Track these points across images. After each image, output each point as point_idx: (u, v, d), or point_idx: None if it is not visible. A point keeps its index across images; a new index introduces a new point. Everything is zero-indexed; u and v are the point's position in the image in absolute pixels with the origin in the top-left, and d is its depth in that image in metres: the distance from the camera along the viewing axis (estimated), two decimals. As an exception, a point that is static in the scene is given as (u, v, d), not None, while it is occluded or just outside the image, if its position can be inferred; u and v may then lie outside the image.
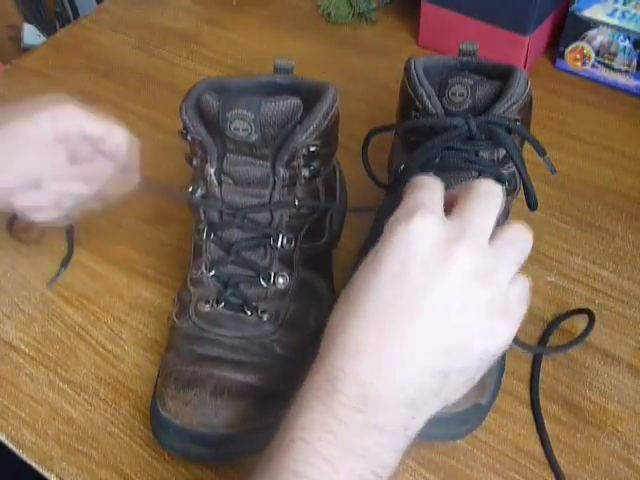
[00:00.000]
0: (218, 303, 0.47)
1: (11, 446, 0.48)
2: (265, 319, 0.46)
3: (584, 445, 0.46)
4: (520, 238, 0.36)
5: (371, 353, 0.34)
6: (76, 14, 1.56)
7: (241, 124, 0.44)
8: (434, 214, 0.35)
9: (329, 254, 0.53)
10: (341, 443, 0.33)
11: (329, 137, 0.48)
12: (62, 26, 1.38)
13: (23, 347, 0.53)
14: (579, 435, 0.47)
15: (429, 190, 0.36)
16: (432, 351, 0.34)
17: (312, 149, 0.46)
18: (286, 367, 0.45)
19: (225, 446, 0.43)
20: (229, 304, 0.47)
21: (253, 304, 0.47)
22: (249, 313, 0.47)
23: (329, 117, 0.47)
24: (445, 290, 0.34)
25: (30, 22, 1.55)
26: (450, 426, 0.44)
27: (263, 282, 0.47)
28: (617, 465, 0.45)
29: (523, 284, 0.36)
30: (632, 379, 0.50)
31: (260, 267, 0.47)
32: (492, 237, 0.35)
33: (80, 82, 0.77)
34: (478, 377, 0.36)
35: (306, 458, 0.32)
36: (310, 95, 0.47)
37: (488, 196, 0.36)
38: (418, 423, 0.35)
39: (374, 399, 0.33)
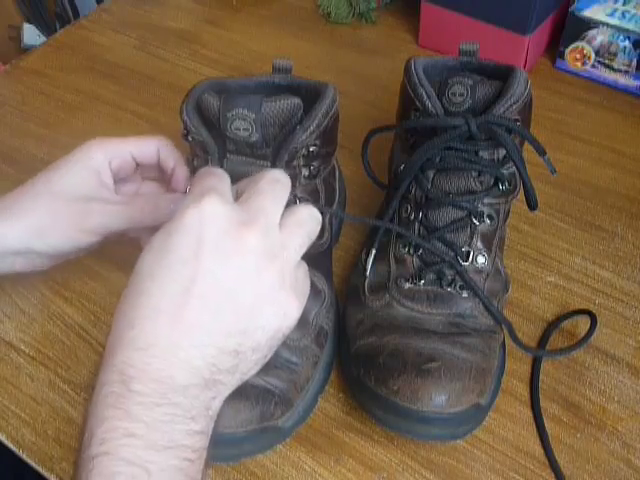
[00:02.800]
0: None
1: (11, 446, 0.47)
2: None
3: (584, 445, 0.46)
4: (309, 218, 0.38)
5: (163, 344, 0.33)
6: (76, 14, 1.56)
7: (242, 124, 0.44)
8: (224, 198, 0.36)
9: (329, 253, 0.53)
10: (145, 442, 0.32)
11: (329, 137, 0.48)
12: (62, 26, 1.38)
13: (23, 347, 0.53)
14: (579, 435, 0.47)
15: (217, 177, 0.37)
16: (225, 332, 0.34)
17: (312, 149, 0.46)
18: (288, 368, 0.45)
19: (229, 447, 0.43)
20: None
21: None
22: None
23: (329, 117, 0.47)
24: (236, 272, 0.34)
25: (30, 22, 1.55)
26: (450, 426, 0.44)
27: None
28: (617, 465, 0.45)
29: (304, 265, 0.39)
30: (632, 379, 0.50)
31: None
32: (282, 219, 0.37)
33: (80, 82, 0.77)
34: (270, 355, 0.38)
35: (112, 469, 0.31)
36: (310, 95, 0.47)
37: (276, 184, 0.38)
38: (219, 402, 0.36)
39: (171, 389, 0.33)
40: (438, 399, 0.42)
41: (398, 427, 0.44)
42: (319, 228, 0.39)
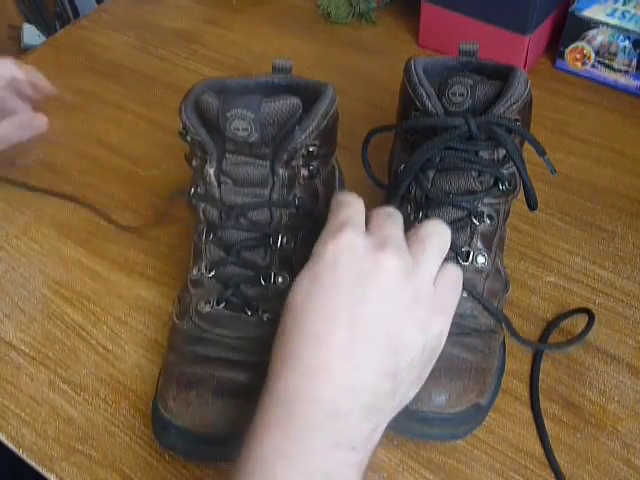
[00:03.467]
0: (219, 303, 0.47)
1: (11, 446, 0.48)
2: (266, 319, 0.46)
3: (584, 445, 0.46)
4: (435, 230, 0.39)
5: (323, 369, 0.34)
6: (76, 14, 1.56)
7: (241, 124, 0.44)
8: (359, 229, 0.38)
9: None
10: (303, 466, 0.33)
11: (328, 137, 0.48)
12: (62, 26, 1.38)
13: (23, 347, 0.53)
14: (579, 435, 0.47)
15: (352, 208, 0.39)
16: (378, 353, 0.35)
17: (311, 149, 0.46)
18: None
19: (228, 446, 0.43)
20: (230, 304, 0.47)
21: (254, 304, 0.47)
22: (250, 313, 0.47)
23: (328, 117, 0.47)
24: (378, 292, 0.35)
25: (30, 22, 1.55)
26: (450, 426, 0.44)
27: (263, 282, 0.47)
28: (617, 465, 0.45)
29: (454, 272, 0.39)
30: (632, 379, 0.50)
31: (260, 267, 0.47)
32: (409, 237, 0.39)
33: (80, 82, 0.77)
34: (425, 375, 0.38)
35: None
36: (309, 95, 0.47)
37: (391, 215, 0.40)
38: (378, 435, 0.36)
39: (333, 415, 0.34)
40: (438, 399, 0.42)
41: (398, 427, 0.44)
42: (449, 238, 0.40)
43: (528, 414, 0.48)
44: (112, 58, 0.81)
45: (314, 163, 0.47)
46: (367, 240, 0.37)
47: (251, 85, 0.50)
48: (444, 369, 0.43)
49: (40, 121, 0.61)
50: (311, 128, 0.45)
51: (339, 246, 0.36)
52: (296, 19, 0.85)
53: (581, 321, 0.53)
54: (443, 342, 0.38)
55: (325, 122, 0.46)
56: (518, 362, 0.50)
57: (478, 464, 0.45)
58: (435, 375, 0.42)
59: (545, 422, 0.47)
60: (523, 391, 0.49)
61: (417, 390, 0.38)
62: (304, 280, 0.37)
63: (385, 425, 0.37)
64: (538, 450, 0.46)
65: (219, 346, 0.46)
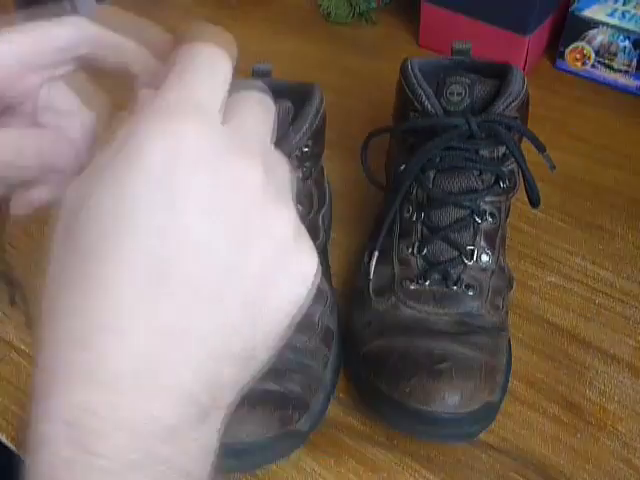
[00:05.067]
0: None
1: (11, 446, 0.47)
2: None
3: (584, 445, 0.46)
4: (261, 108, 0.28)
5: (139, 370, 0.21)
6: (76, 14, 1.56)
7: None
8: (214, 116, 0.24)
9: (325, 253, 0.53)
10: None
11: (319, 137, 0.48)
12: (62, 26, 1.38)
13: (23, 347, 0.53)
14: (579, 435, 0.47)
15: (218, 66, 0.26)
16: (228, 329, 0.23)
17: (305, 149, 0.46)
18: (301, 370, 0.45)
19: (251, 455, 0.43)
20: None
21: None
22: None
23: (319, 116, 0.47)
24: (234, 230, 0.23)
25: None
26: (464, 426, 0.44)
27: None
28: (617, 465, 0.45)
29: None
30: (632, 379, 0.50)
31: None
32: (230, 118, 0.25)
33: (80, 82, 0.77)
34: (281, 343, 0.25)
35: None
36: (295, 96, 0.47)
37: (262, 103, 0.28)
38: (218, 433, 0.25)
39: (154, 436, 0.21)
40: (451, 399, 0.42)
41: (412, 429, 0.44)
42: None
43: (528, 414, 0.48)
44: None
45: (307, 164, 0.47)
46: (224, 137, 0.23)
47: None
48: (455, 369, 0.43)
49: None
50: (304, 129, 0.45)
51: (174, 144, 0.22)
52: (296, 19, 0.85)
53: (582, 321, 0.53)
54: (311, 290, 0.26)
55: (317, 122, 0.46)
56: (518, 362, 0.50)
57: (478, 464, 0.45)
58: (447, 376, 0.42)
59: (545, 422, 0.47)
60: (523, 391, 0.49)
61: (266, 367, 0.26)
62: (104, 193, 0.22)
63: (223, 421, 0.25)
64: (538, 450, 0.46)
65: None
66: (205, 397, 0.22)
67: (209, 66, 0.25)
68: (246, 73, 0.53)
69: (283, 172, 0.27)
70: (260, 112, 0.27)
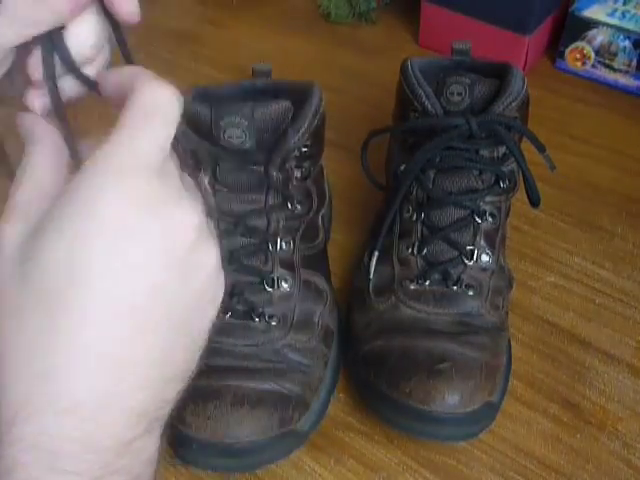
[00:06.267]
0: (224, 313, 0.46)
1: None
2: (274, 324, 0.46)
3: (584, 445, 0.46)
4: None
5: (99, 396, 0.24)
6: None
7: (235, 132, 0.44)
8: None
9: (325, 252, 0.53)
10: None
11: (318, 137, 0.48)
12: (62, 26, 1.38)
13: (23, 347, 0.53)
14: (579, 435, 0.47)
15: (164, 118, 0.27)
16: (176, 351, 0.27)
17: (304, 149, 0.46)
18: (301, 370, 0.45)
19: (251, 455, 0.43)
20: (236, 313, 0.46)
21: (260, 310, 0.46)
22: (257, 320, 0.46)
23: (318, 116, 0.47)
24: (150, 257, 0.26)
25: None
26: (464, 425, 0.44)
27: (267, 287, 0.47)
28: (617, 465, 0.45)
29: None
30: (632, 379, 0.50)
31: (263, 272, 0.47)
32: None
33: (80, 82, 0.77)
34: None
35: None
36: (293, 96, 0.47)
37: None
38: (157, 438, 0.28)
39: (114, 452, 0.25)
40: (451, 399, 0.42)
41: (412, 429, 0.44)
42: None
43: (528, 414, 0.48)
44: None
45: (306, 164, 0.47)
46: (162, 189, 0.26)
47: (235, 91, 0.50)
48: (455, 369, 0.43)
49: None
50: (303, 129, 0.45)
51: (125, 202, 0.25)
52: (296, 19, 0.85)
53: (582, 321, 0.53)
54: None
55: (316, 122, 0.46)
56: (518, 362, 0.50)
57: (478, 464, 0.45)
58: (447, 375, 0.42)
59: (545, 422, 0.47)
60: (523, 391, 0.49)
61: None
62: (64, 234, 0.24)
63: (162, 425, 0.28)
64: (538, 450, 0.46)
65: (229, 355, 0.45)
66: (154, 412, 0.26)
67: (161, 117, 0.27)
68: (246, 73, 0.53)
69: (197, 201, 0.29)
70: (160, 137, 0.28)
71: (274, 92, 0.49)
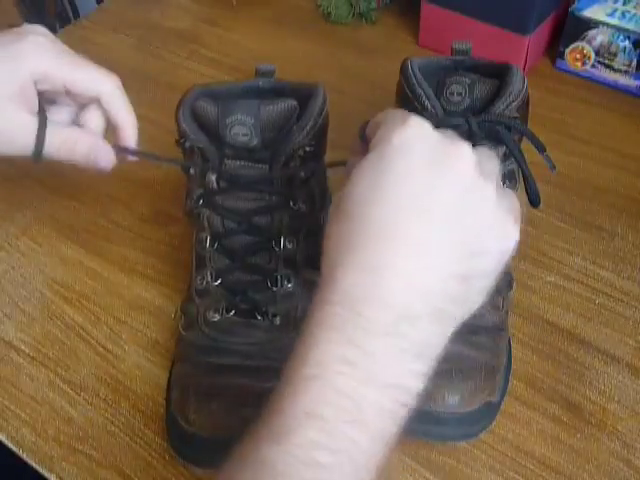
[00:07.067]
0: (228, 311, 0.47)
1: (11, 446, 0.47)
2: (277, 322, 0.46)
3: (584, 445, 0.46)
4: (490, 154, 0.37)
5: (391, 265, 0.31)
6: (76, 14, 1.56)
7: (241, 129, 0.44)
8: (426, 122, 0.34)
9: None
10: (363, 373, 0.29)
11: (322, 136, 0.48)
12: (62, 26, 1.38)
13: (23, 347, 0.53)
14: (579, 435, 0.47)
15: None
16: (453, 254, 0.32)
17: (308, 149, 0.46)
18: None
19: None
20: (239, 311, 0.46)
21: (263, 309, 0.46)
22: (260, 318, 0.46)
23: (322, 116, 0.47)
24: (455, 186, 0.32)
25: (30, 22, 1.55)
26: (464, 425, 0.44)
27: (271, 286, 0.47)
28: (617, 465, 0.45)
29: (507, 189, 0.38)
30: (632, 379, 0.50)
31: (266, 271, 0.47)
32: None
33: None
34: (492, 283, 0.34)
35: (322, 396, 0.29)
36: (297, 97, 0.47)
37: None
38: (443, 343, 0.32)
39: (403, 317, 0.30)
40: (452, 399, 0.42)
41: (411, 429, 0.44)
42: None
43: (528, 414, 0.48)
44: (112, 58, 0.81)
45: (310, 163, 0.47)
46: (437, 132, 0.34)
47: (239, 91, 0.50)
48: (455, 369, 0.43)
49: (105, 155, 0.46)
50: (308, 128, 0.45)
51: (410, 132, 0.33)
52: (296, 19, 0.85)
53: (582, 321, 0.53)
54: (514, 249, 0.35)
55: (320, 121, 0.46)
56: (518, 362, 0.50)
57: (478, 464, 0.45)
58: (447, 375, 0.42)
59: (545, 422, 0.47)
60: (523, 391, 0.49)
61: (483, 299, 0.34)
62: (368, 167, 0.33)
63: (451, 331, 0.33)
64: (538, 450, 0.46)
65: (233, 354, 0.45)
66: (439, 301, 0.31)
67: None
68: (246, 73, 0.53)
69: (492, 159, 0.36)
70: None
71: (278, 92, 0.49)
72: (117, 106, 0.46)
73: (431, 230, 0.31)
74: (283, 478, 0.28)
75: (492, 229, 0.33)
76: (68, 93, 0.46)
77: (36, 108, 0.44)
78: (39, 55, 0.44)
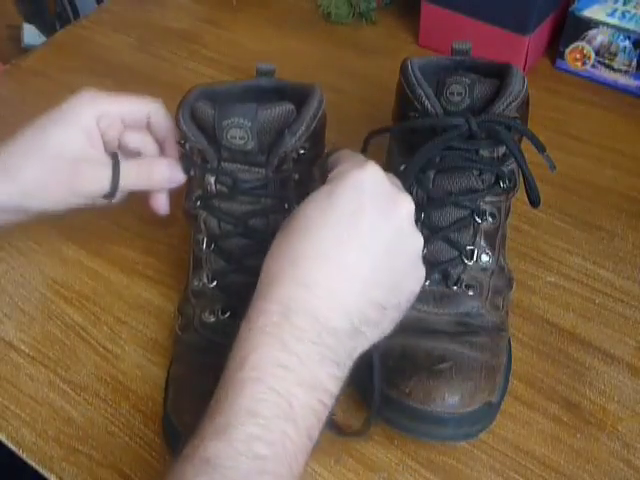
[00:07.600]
0: (224, 313, 0.47)
1: (11, 446, 0.47)
2: None
3: (584, 445, 0.46)
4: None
5: (323, 285, 0.36)
6: (76, 14, 1.56)
7: (238, 132, 0.44)
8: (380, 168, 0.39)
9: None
10: (295, 377, 0.34)
11: (317, 139, 0.48)
12: (62, 26, 1.38)
13: (23, 347, 0.53)
14: (579, 435, 0.47)
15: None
16: (378, 285, 0.37)
17: (302, 152, 0.46)
18: None
19: None
20: (235, 313, 0.46)
21: None
22: None
23: (317, 119, 0.47)
24: (393, 230, 0.38)
25: (30, 22, 1.55)
26: (464, 426, 0.44)
27: None
28: (617, 465, 0.45)
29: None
30: (632, 379, 0.50)
31: None
32: None
33: (80, 82, 0.76)
34: (400, 318, 0.40)
35: (260, 395, 0.33)
36: (296, 97, 0.47)
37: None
38: (356, 355, 0.38)
39: (326, 329, 0.35)
40: (451, 399, 0.42)
41: (411, 429, 0.44)
42: None
43: (528, 414, 0.48)
44: (112, 58, 0.81)
45: (304, 166, 0.47)
46: (389, 179, 0.39)
47: (239, 90, 0.50)
48: (455, 369, 0.43)
49: (162, 172, 0.49)
50: (300, 132, 0.45)
51: (365, 174, 0.38)
52: (296, 19, 0.85)
53: (582, 321, 0.53)
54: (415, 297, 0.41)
55: (314, 124, 0.46)
56: (518, 362, 0.50)
57: (478, 464, 0.45)
58: (447, 376, 0.42)
59: (545, 422, 0.47)
60: (523, 391, 0.49)
61: (392, 329, 0.40)
62: (321, 196, 0.38)
63: (363, 349, 0.38)
64: (538, 450, 0.46)
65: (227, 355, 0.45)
66: (356, 321, 0.36)
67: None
68: (246, 73, 0.53)
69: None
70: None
71: (277, 92, 0.49)
72: (166, 121, 0.51)
73: (365, 262, 0.37)
74: (227, 470, 0.32)
75: (415, 271, 0.40)
76: (123, 121, 0.51)
77: (102, 147, 0.50)
78: (93, 99, 0.50)
